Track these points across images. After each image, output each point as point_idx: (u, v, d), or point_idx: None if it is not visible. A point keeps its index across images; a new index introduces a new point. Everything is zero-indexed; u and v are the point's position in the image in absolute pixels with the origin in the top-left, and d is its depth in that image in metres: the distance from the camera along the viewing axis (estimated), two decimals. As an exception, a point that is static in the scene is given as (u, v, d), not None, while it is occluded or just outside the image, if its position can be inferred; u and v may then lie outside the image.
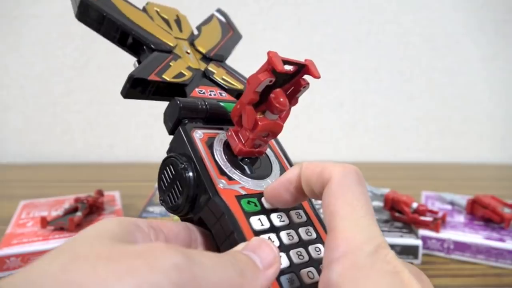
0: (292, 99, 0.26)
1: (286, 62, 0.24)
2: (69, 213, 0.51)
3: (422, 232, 0.51)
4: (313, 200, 0.28)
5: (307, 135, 1.02)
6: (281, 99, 0.25)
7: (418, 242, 0.48)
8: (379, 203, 0.60)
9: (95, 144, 0.98)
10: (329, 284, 0.19)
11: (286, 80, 0.26)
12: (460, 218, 0.56)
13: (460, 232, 0.51)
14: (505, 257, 0.48)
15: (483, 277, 0.46)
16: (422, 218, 0.52)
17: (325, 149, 1.03)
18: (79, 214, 0.50)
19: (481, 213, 0.55)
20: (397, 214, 0.54)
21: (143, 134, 0.98)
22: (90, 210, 0.54)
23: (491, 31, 1.00)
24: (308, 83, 0.26)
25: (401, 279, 0.19)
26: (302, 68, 0.25)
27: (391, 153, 1.05)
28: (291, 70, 0.25)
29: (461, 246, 0.50)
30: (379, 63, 1.00)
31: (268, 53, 0.23)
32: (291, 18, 0.96)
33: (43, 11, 0.90)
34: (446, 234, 0.51)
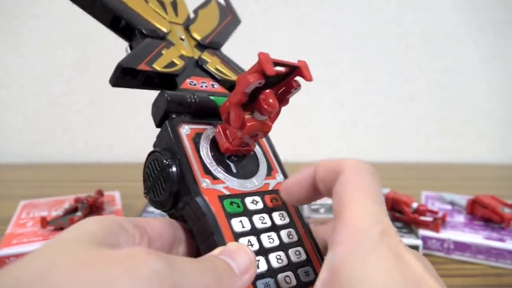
0: (283, 100, 0.26)
1: (277, 63, 0.23)
2: (69, 213, 0.51)
3: (422, 232, 0.51)
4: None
5: (307, 135, 1.02)
6: (271, 101, 0.24)
7: (418, 242, 0.48)
8: (379, 203, 0.60)
9: (95, 144, 0.98)
10: (331, 267, 0.20)
11: (278, 81, 0.25)
12: (460, 218, 0.56)
13: (460, 232, 0.51)
14: (505, 257, 0.48)
15: (483, 277, 0.46)
16: (422, 218, 0.52)
17: (325, 149, 1.03)
18: (79, 214, 0.50)
19: (481, 213, 0.55)
20: (397, 214, 0.54)
21: (143, 134, 0.98)
22: (90, 210, 0.54)
23: (491, 32, 1.00)
24: (299, 85, 0.25)
25: (403, 263, 0.19)
26: (294, 70, 0.24)
27: (391, 153, 1.05)
28: (283, 71, 0.24)
29: (461, 246, 0.50)
30: (379, 63, 1.00)
31: (259, 54, 0.23)
32: (291, 18, 0.96)
33: (43, 11, 0.90)
34: (446, 234, 0.51)
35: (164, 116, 0.27)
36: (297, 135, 1.01)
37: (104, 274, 0.15)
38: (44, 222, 0.48)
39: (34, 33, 0.91)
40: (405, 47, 1.00)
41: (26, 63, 0.93)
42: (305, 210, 0.59)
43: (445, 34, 1.00)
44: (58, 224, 0.48)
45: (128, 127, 0.98)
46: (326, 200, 0.61)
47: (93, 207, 0.54)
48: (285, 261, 0.24)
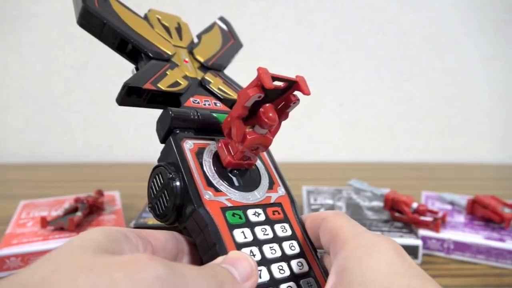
0: (283, 114, 0.27)
1: (276, 78, 0.24)
2: (69, 213, 0.51)
3: (422, 232, 0.51)
4: (299, 214, 0.29)
5: (307, 135, 1.02)
6: (270, 114, 0.25)
7: (418, 242, 0.48)
8: (379, 203, 0.60)
9: (95, 144, 0.98)
10: (338, 269, 0.21)
11: (277, 95, 0.26)
12: (460, 218, 0.56)
13: (460, 232, 0.51)
14: (505, 257, 0.48)
15: (483, 277, 0.46)
16: (422, 218, 0.52)
17: (325, 149, 1.03)
18: (79, 214, 0.50)
19: (481, 213, 0.55)
20: (397, 214, 0.54)
21: (143, 134, 0.98)
22: (90, 210, 0.54)
23: (491, 31, 1.00)
24: (298, 99, 0.26)
25: (403, 258, 0.20)
26: (293, 84, 0.25)
27: (391, 153, 1.05)
28: (282, 86, 0.25)
29: (461, 246, 0.50)
30: (379, 63, 1.00)
31: (258, 69, 0.23)
32: (291, 18, 0.96)
33: (43, 11, 0.90)
34: (446, 234, 0.51)
35: (168, 132, 0.28)
36: (297, 135, 1.01)
37: (107, 278, 0.15)
38: (44, 222, 0.48)
39: (34, 33, 0.91)
40: (405, 47, 1.00)
41: (26, 63, 0.93)
42: (306, 210, 0.59)
43: (445, 33, 1.00)
44: (58, 224, 0.48)
45: (128, 127, 0.98)
46: (326, 200, 0.61)
47: (93, 207, 0.54)
48: (288, 272, 0.24)
